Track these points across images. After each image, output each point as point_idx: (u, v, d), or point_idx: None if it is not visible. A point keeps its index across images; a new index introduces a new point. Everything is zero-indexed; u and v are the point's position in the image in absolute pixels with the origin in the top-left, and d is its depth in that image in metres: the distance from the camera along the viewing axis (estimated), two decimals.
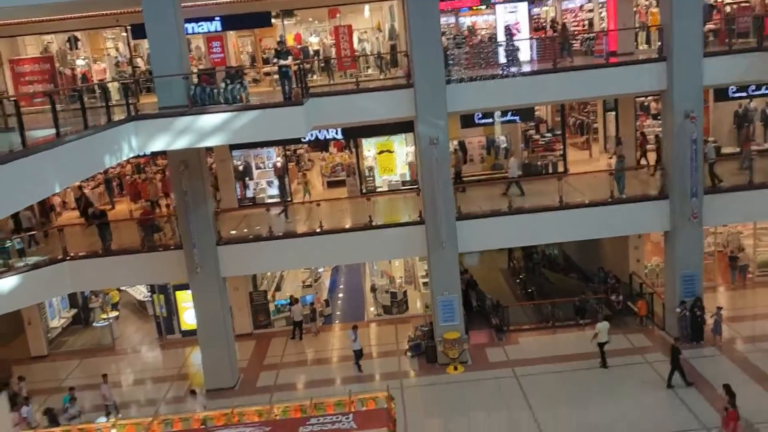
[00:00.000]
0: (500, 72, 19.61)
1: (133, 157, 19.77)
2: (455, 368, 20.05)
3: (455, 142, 24.29)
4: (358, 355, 20.69)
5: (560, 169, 24.84)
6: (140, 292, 26.49)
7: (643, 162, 23.28)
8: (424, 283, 25.72)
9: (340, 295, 27.86)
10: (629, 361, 19.56)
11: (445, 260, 19.80)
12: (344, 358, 21.66)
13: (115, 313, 25.62)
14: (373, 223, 20.52)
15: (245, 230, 21.46)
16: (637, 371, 19.00)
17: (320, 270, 27.63)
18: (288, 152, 26.31)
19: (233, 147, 23.44)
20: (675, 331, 20.19)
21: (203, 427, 14.88)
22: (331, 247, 20.25)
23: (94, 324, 25.06)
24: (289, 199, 24.39)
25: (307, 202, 23.07)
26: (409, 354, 21.33)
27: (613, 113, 25.68)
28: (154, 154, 25.75)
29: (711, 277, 23.27)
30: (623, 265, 23.87)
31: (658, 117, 26.74)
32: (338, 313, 25.78)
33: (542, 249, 29.63)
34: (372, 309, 25.48)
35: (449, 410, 18.07)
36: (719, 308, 19.86)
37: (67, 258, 19.44)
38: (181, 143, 16.96)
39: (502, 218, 20.29)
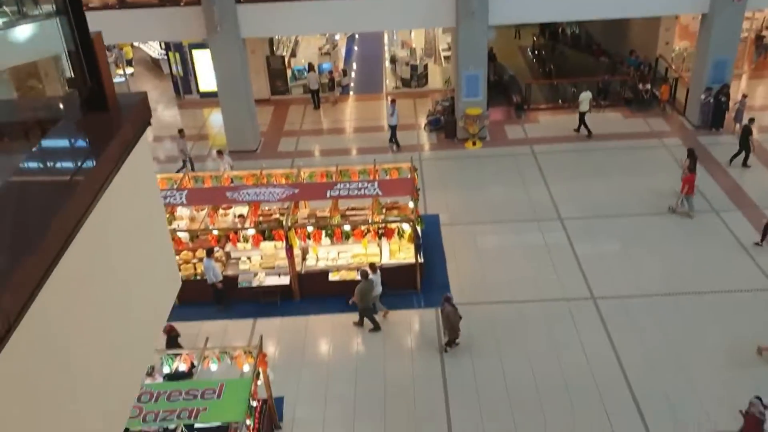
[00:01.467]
0: None
1: None
2: (474, 143, 20.28)
3: None
4: (394, 130, 20.29)
5: None
6: (155, 50, 25.88)
7: None
8: (446, 57, 25.20)
9: (354, 65, 27.31)
10: (646, 144, 19.81)
11: (474, 32, 19.04)
12: (360, 129, 21.84)
13: (130, 69, 25.26)
14: None
15: None
16: (653, 154, 19.32)
17: (336, 37, 26.83)
18: None
19: None
20: (695, 118, 20.23)
21: (233, 185, 15.36)
22: (354, 11, 19.29)
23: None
24: None
25: None
26: (427, 128, 21.42)
27: None
28: None
29: (738, 64, 22.76)
30: (651, 48, 23.23)
31: None
32: (352, 84, 25.42)
33: (564, 27, 28.67)
34: (389, 81, 25.16)
35: (467, 182, 18.53)
36: (744, 96, 19.67)
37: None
38: None
39: None
